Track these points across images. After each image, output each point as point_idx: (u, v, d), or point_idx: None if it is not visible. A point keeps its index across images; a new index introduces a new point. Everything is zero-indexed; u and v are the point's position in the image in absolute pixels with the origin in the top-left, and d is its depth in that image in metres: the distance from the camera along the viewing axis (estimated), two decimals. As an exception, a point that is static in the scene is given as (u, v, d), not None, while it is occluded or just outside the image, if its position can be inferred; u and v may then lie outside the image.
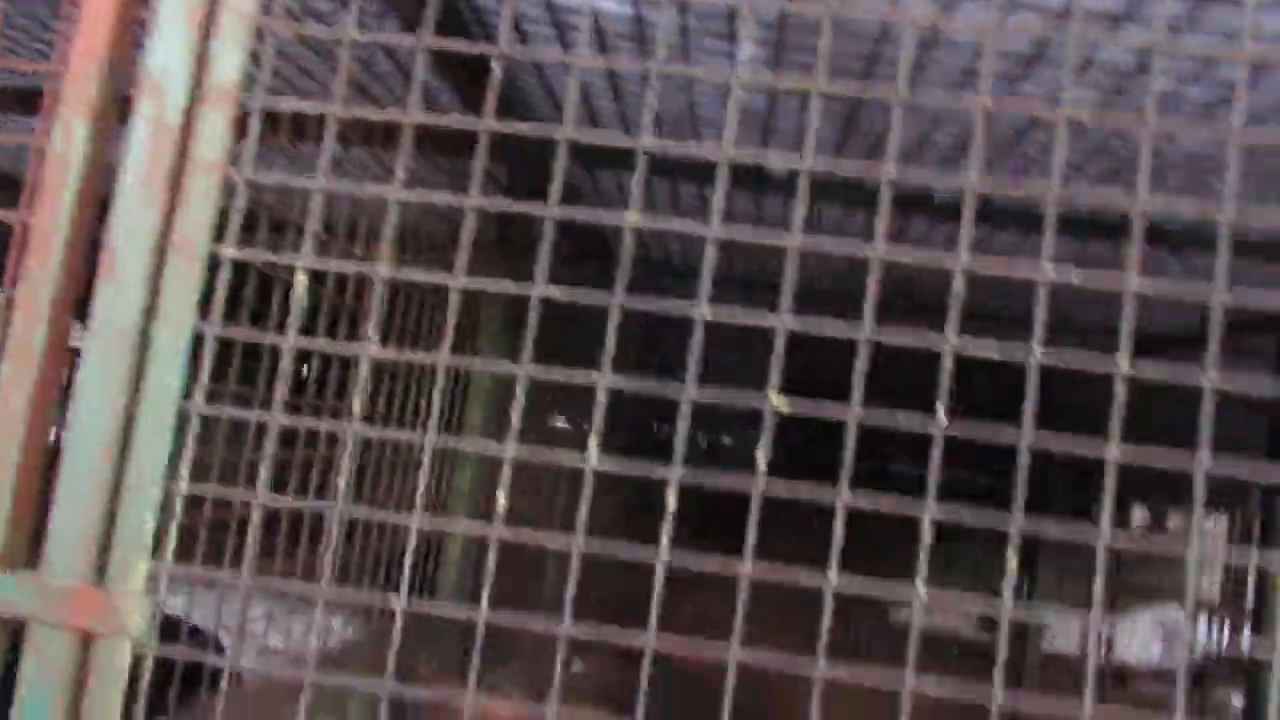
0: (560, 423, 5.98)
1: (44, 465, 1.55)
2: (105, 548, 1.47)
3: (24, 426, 1.49)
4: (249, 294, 1.90)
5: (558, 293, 1.51)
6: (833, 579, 1.40)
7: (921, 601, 1.42)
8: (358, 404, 1.53)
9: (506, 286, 1.53)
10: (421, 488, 1.53)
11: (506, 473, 1.43)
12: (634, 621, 7.75)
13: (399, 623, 1.52)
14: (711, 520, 8.90)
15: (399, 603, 1.49)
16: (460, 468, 3.30)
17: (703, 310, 1.48)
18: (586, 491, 1.43)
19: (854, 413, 1.45)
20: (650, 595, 8.23)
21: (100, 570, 1.47)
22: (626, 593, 8.64)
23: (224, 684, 1.94)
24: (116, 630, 1.44)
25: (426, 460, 1.54)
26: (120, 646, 1.45)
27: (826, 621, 1.41)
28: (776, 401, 1.51)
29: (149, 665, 1.53)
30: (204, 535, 1.68)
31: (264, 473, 1.57)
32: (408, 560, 1.54)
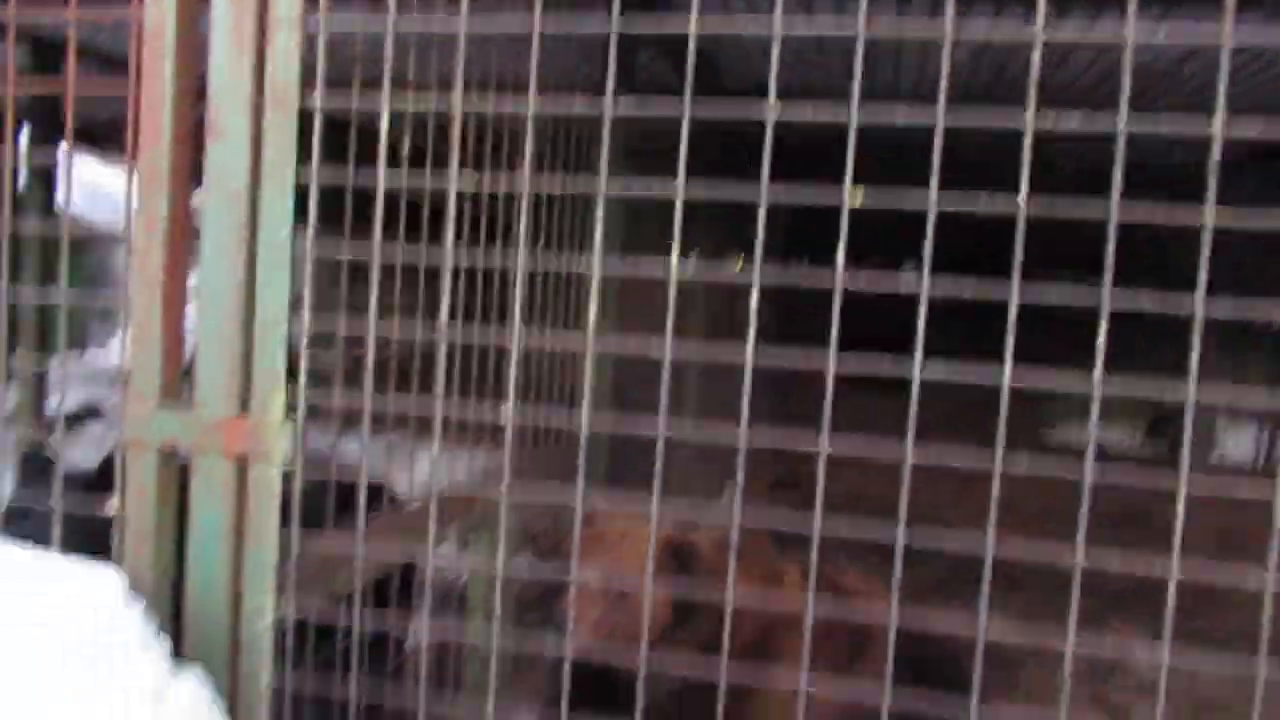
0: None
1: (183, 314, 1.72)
2: (246, 382, 1.64)
3: (161, 283, 1.65)
4: (352, 149, 1.98)
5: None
6: (1006, 376, 1.42)
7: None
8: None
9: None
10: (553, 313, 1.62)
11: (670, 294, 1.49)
12: (779, 462, 7.92)
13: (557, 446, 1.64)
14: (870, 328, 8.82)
15: (575, 422, 1.61)
16: (584, 301, 3.38)
17: (771, 106, 1.48)
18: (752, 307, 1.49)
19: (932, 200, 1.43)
20: (811, 405, 8.34)
21: (244, 402, 1.64)
22: (782, 410, 8.76)
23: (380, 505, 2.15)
24: (265, 455, 1.63)
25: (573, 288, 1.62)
26: (270, 469, 1.64)
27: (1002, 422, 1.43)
28: (855, 197, 1.51)
29: (299, 485, 1.72)
30: (341, 374, 1.83)
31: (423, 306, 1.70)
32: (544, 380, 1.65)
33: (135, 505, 1.67)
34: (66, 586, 1.46)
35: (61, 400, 2.28)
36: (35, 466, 2.85)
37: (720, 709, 1.77)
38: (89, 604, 1.42)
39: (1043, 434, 8.78)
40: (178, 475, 1.71)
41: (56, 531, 1.77)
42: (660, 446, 1.58)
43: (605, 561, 2.99)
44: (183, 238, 1.68)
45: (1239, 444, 8.47)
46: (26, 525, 2.13)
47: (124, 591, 1.44)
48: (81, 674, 1.26)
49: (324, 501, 2.01)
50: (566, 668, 1.82)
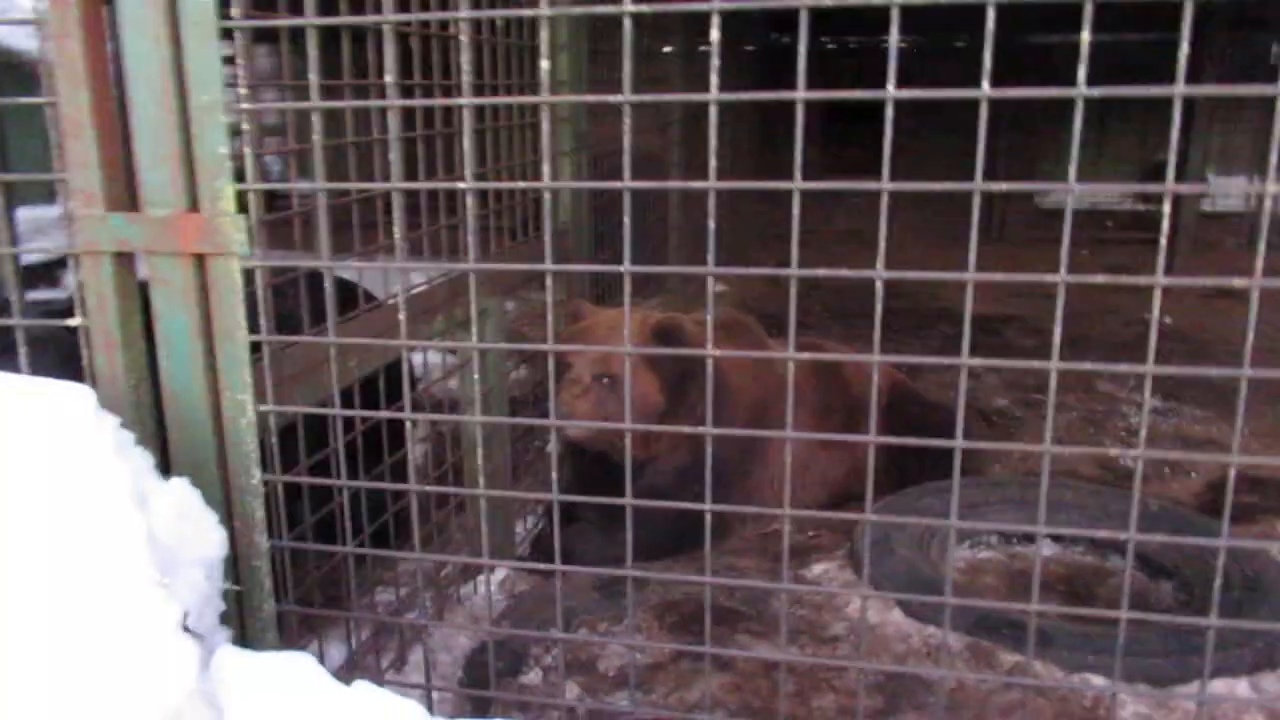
0: (669, 48, 5.67)
1: (118, 113, 1.58)
2: (191, 174, 1.52)
3: (84, 69, 1.50)
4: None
5: None
6: (978, 182, 1.31)
7: (1073, 192, 1.33)
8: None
9: None
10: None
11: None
12: (777, 246, 7.83)
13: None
14: (842, 131, 8.61)
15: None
16: (561, 129, 3.19)
17: None
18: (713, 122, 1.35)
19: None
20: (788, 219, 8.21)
21: (193, 198, 1.53)
22: (767, 219, 8.67)
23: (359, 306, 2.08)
24: (222, 249, 1.53)
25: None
26: (229, 264, 1.55)
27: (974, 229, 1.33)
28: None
29: (265, 280, 1.63)
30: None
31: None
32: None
33: (97, 316, 1.58)
34: (31, 403, 1.39)
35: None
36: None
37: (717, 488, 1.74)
38: (57, 418, 1.36)
39: (1036, 200, 8.67)
40: (136, 281, 1.62)
41: (23, 354, 1.70)
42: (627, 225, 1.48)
43: (594, 352, 2.96)
44: (99, 19, 1.51)
45: (1229, 195, 8.39)
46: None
47: (94, 404, 1.37)
48: (53, 487, 1.22)
49: (296, 302, 1.92)
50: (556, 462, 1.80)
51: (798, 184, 1.38)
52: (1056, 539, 2.91)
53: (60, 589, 1.14)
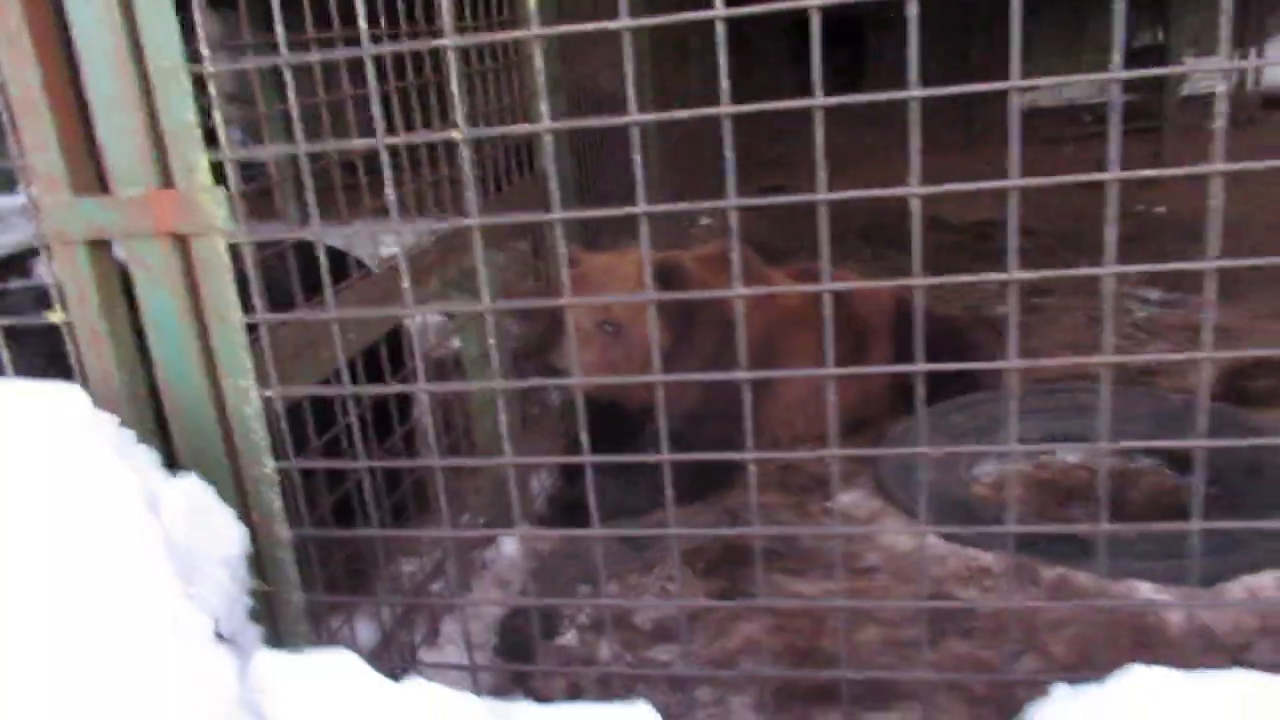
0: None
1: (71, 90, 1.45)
2: (161, 150, 1.41)
3: (29, 44, 1.37)
4: None
5: None
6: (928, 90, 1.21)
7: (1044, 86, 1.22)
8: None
9: None
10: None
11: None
12: (760, 172, 7.66)
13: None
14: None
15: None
16: (529, 68, 3.05)
17: None
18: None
19: None
20: (766, 146, 8.06)
21: (165, 174, 1.42)
22: (740, 145, 8.45)
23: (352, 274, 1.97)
24: (203, 226, 1.42)
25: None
26: (213, 242, 1.43)
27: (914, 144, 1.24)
28: None
29: (254, 258, 1.52)
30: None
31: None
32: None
33: (79, 309, 1.47)
34: (20, 408, 1.28)
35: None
36: None
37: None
38: (50, 423, 1.26)
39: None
40: (116, 269, 1.51)
41: (3, 355, 1.60)
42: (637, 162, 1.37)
43: (594, 297, 2.87)
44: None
45: (1208, 77, 8.25)
46: None
47: (88, 405, 1.27)
48: (55, 499, 1.12)
49: (287, 276, 1.81)
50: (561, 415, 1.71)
51: (819, 100, 1.28)
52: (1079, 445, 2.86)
53: (79, 611, 1.05)
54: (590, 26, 1.32)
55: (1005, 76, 1.26)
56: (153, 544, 1.11)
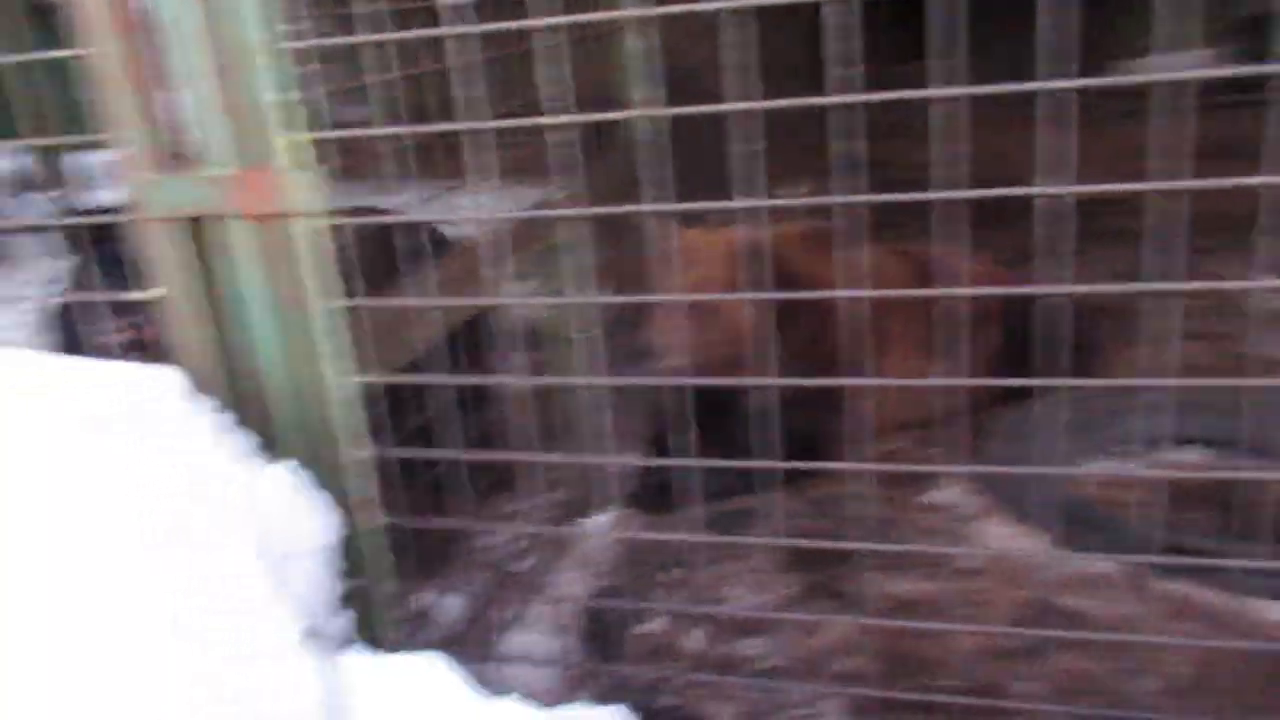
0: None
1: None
2: (247, 128, 1.36)
3: (110, 17, 1.33)
4: None
5: None
6: None
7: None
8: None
9: None
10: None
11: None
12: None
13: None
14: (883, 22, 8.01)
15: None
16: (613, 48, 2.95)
17: None
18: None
19: None
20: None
21: (253, 152, 1.37)
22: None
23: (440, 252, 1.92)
24: (291, 207, 1.37)
25: None
26: (301, 223, 1.39)
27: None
28: None
29: (348, 238, 1.47)
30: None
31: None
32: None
33: (169, 288, 1.44)
34: (117, 390, 1.26)
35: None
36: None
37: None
38: (148, 407, 1.23)
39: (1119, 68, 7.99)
40: (205, 248, 1.47)
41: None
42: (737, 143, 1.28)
43: (683, 277, 2.78)
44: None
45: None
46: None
47: (185, 387, 1.24)
48: (150, 485, 1.09)
49: (375, 256, 1.77)
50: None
51: (945, 91, 1.16)
52: (1195, 444, 2.67)
53: (170, 603, 1.02)
54: (690, 7, 1.22)
55: (1106, 50, 1.13)
56: (247, 538, 1.07)
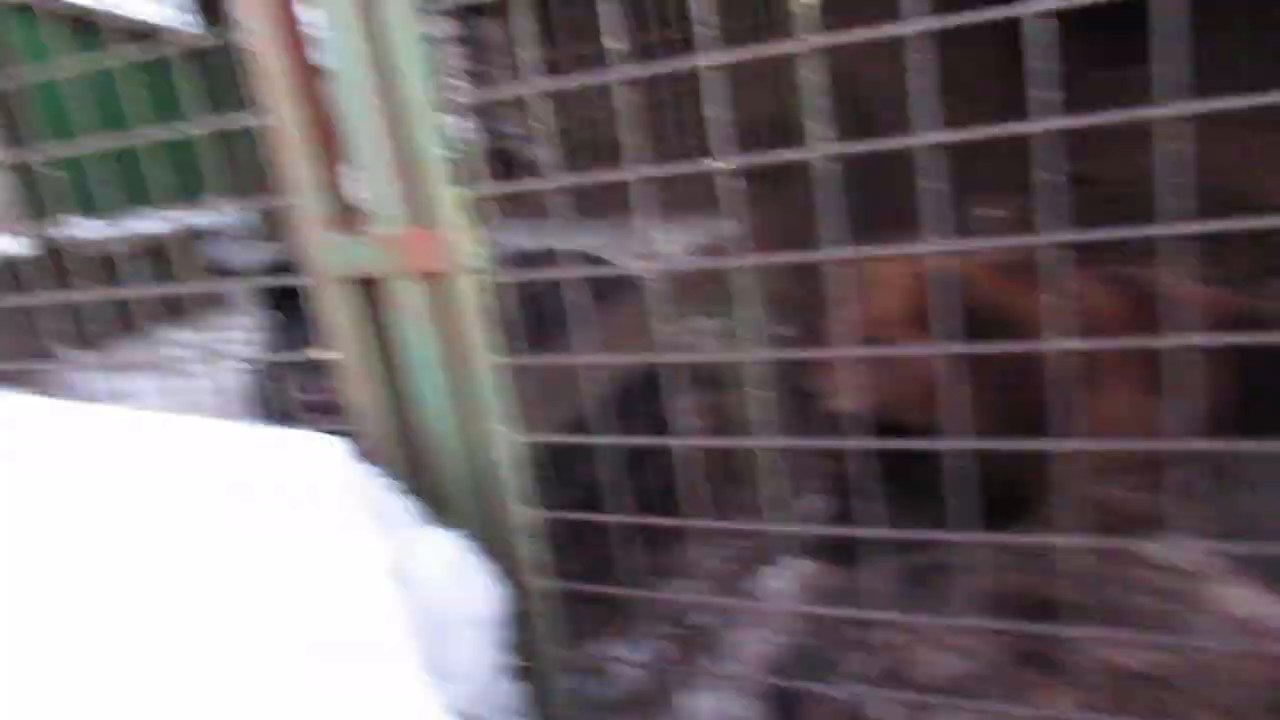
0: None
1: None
2: (412, 186, 1.35)
3: (288, 80, 1.35)
4: None
5: None
6: None
7: None
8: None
9: None
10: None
11: None
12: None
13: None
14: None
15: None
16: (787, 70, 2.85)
17: None
18: None
19: None
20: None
21: (419, 210, 1.36)
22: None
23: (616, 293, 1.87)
24: (455, 264, 1.35)
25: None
26: (466, 280, 1.36)
27: None
28: None
29: (509, 291, 1.44)
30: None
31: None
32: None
33: (341, 347, 1.45)
34: (275, 459, 1.24)
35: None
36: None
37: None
38: (304, 479, 1.21)
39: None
40: (377, 308, 1.47)
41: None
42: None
43: (861, 309, 2.60)
44: (292, 18, 1.35)
45: None
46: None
47: (345, 457, 1.22)
48: (297, 564, 1.07)
49: (545, 307, 1.73)
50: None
51: (1173, 109, 1.00)
52: None
53: (310, 689, 0.99)
54: (871, 33, 1.11)
55: None
56: (397, 623, 1.04)
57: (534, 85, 1.31)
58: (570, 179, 1.35)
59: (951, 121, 1.17)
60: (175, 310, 6.04)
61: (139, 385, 4.27)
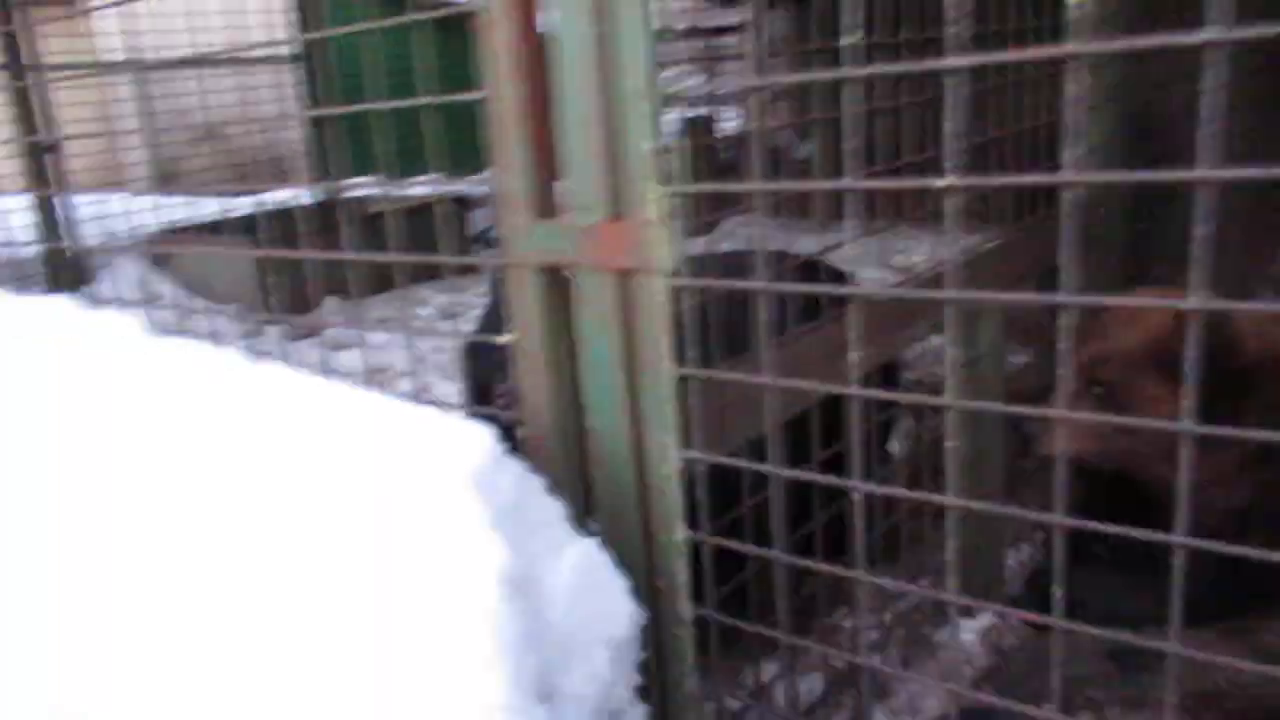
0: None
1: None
2: (617, 177, 1.29)
3: (514, 61, 1.33)
4: None
5: None
6: None
7: None
8: None
9: None
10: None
11: None
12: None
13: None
14: None
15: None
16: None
17: None
18: None
19: None
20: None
21: (618, 203, 1.30)
22: None
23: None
24: (646, 264, 1.28)
25: None
26: (654, 282, 1.29)
27: None
28: None
29: (693, 297, 1.36)
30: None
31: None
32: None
33: (523, 333, 1.42)
34: (419, 443, 1.20)
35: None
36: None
37: None
38: (441, 460, 1.16)
39: None
40: (565, 300, 1.43)
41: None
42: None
43: (1092, 348, 2.29)
44: (532, 36, 1.32)
45: None
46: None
47: (495, 445, 1.18)
48: (416, 545, 1.04)
49: (741, 318, 1.63)
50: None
51: None
52: None
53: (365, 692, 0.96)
54: (1157, 41, 0.93)
55: None
56: (494, 635, 0.98)
57: (754, 83, 1.22)
58: (777, 185, 1.25)
59: (1251, 154, 0.97)
60: (432, 272, 6.40)
61: (386, 340, 4.54)
